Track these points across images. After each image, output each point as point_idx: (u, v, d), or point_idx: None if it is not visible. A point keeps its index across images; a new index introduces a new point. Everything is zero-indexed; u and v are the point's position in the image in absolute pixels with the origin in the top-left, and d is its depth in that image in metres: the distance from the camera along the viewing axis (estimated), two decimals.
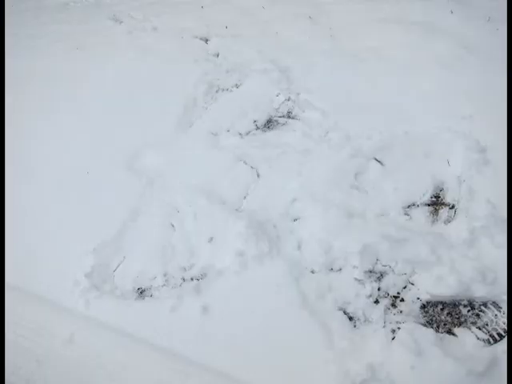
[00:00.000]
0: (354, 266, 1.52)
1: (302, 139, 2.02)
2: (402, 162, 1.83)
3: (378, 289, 1.47)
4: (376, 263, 1.53)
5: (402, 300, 1.44)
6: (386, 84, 2.22)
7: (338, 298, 1.46)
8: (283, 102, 2.27)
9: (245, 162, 1.97)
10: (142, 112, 2.28)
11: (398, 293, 1.46)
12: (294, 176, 1.86)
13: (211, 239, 1.68)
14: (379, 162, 1.87)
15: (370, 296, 1.45)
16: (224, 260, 1.58)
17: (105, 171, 1.98)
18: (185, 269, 1.62)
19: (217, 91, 2.42)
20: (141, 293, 1.57)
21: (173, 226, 1.77)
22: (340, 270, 1.54)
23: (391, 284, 1.48)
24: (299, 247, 1.61)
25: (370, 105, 2.10)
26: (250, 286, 1.50)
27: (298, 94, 2.28)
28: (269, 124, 2.20)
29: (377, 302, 1.45)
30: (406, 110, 2.05)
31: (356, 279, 1.49)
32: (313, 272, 1.54)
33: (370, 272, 1.51)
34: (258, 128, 2.19)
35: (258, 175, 1.92)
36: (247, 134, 2.15)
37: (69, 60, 2.81)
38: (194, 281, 1.57)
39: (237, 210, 1.79)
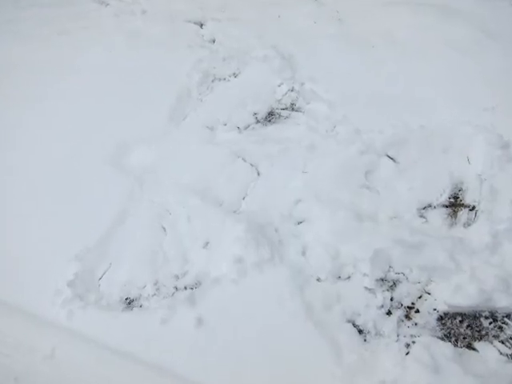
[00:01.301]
0: (364, 274, 1.52)
1: (306, 133, 2.02)
2: (417, 159, 1.83)
3: (391, 299, 1.48)
4: (388, 271, 1.53)
5: (417, 311, 1.45)
6: (398, 72, 2.22)
7: (346, 308, 1.46)
8: (286, 93, 2.27)
9: (243, 159, 1.97)
10: (130, 103, 2.28)
11: (413, 303, 1.47)
12: (298, 174, 1.85)
13: (206, 244, 1.68)
14: (392, 158, 1.86)
15: (382, 307, 1.46)
16: (220, 267, 1.58)
17: (90, 167, 1.99)
18: (177, 277, 1.62)
19: (213, 81, 2.42)
20: (129, 303, 1.57)
21: (164, 229, 1.77)
22: (349, 278, 1.54)
23: (405, 293, 1.49)
24: (304, 253, 1.61)
25: (381, 95, 2.10)
26: (249, 295, 1.50)
27: (303, 83, 2.28)
28: (270, 117, 2.20)
29: (389, 313, 1.45)
30: (421, 102, 2.05)
31: (366, 288, 1.50)
32: (319, 280, 1.55)
33: (382, 280, 1.52)
34: (258, 121, 2.18)
35: (258, 173, 1.91)
36: (246, 127, 2.15)
37: (52, 45, 2.81)
38: (188, 290, 1.57)
39: (235, 211, 1.79)
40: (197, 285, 1.58)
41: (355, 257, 1.55)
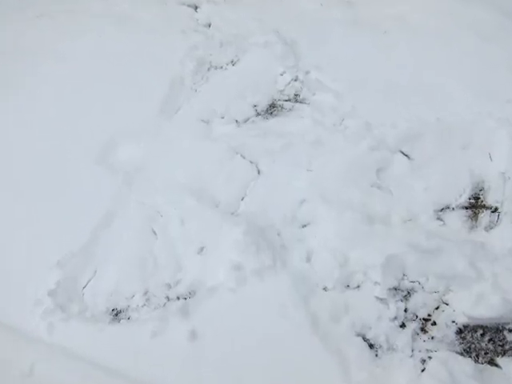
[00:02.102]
0: (376, 282, 1.52)
1: (311, 127, 2.01)
2: (434, 156, 1.83)
3: (405, 310, 1.47)
4: (402, 279, 1.53)
5: (434, 323, 1.44)
6: (412, 60, 2.21)
7: (355, 320, 1.45)
8: (289, 83, 2.27)
9: (242, 156, 1.96)
10: (118, 93, 2.28)
11: (429, 315, 1.46)
12: (303, 172, 1.85)
13: (201, 249, 1.68)
14: (406, 155, 1.86)
15: (395, 319, 1.45)
16: (217, 275, 1.58)
17: (74, 165, 1.98)
18: (169, 285, 1.62)
19: (209, 69, 2.42)
20: (116, 315, 1.56)
21: (154, 233, 1.77)
22: (358, 286, 1.54)
23: (421, 304, 1.48)
24: (308, 259, 1.60)
25: (393, 86, 2.09)
26: (248, 306, 1.49)
27: (307, 72, 2.28)
28: (272, 109, 2.19)
29: (403, 325, 1.44)
30: (437, 92, 2.04)
31: (378, 298, 1.49)
32: (325, 289, 1.54)
33: (395, 289, 1.51)
34: (258, 114, 2.18)
35: (259, 171, 1.91)
36: (245, 121, 2.15)
37: (32, 30, 2.81)
38: (181, 300, 1.57)
39: (233, 213, 1.79)
40: (191, 294, 1.58)
41: (365, 263, 1.55)
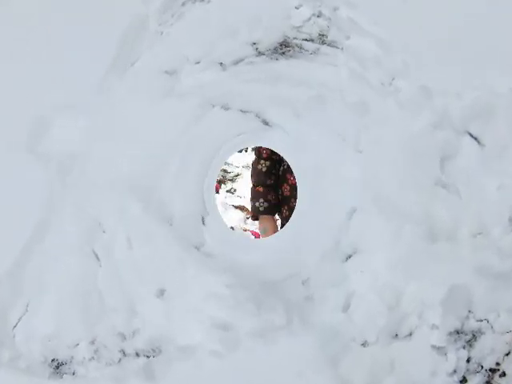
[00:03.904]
0: (433, 326, 1.34)
1: (351, 82, 1.70)
2: (509, 140, 1.63)
3: (468, 360, 1.33)
4: (467, 317, 1.37)
5: (503, 374, 1.34)
6: (486, 7, 1.88)
7: (401, 379, 1.32)
8: (309, 19, 1.94)
9: (224, 107, 1.70)
10: (53, 48, 1.96)
11: (498, 363, 1.34)
12: (350, 152, 1.54)
13: (161, 293, 1.48)
14: (475, 138, 1.63)
15: (454, 372, 1.31)
16: (190, 332, 1.41)
17: None
18: (123, 336, 1.44)
19: (183, 4, 2.05)
20: (57, 367, 1.44)
21: (96, 256, 1.57)
22: (410, 334, 1.38)
23: (488, 350, 1.34)
24: (346, 307, 1.42)
25: (459, 39, 1.78)
26: (246, 373, 1.33)
27: (336, 8, 1.94)
28: (284, 48, 1.87)
29: (464, 381, 1.32)
30: None
31: (434, 347, 1.34)
32: (365, 345, 1.38)
33: (457, 333, 1.35)
34: (260, 54, 1.86)
35: (267, 124, 1.67)
36: (236, 62, 1.83)
37: None
38: (142, 357, 1.41)
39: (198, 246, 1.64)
40: (155, 352, 1.42)
41: (423, 301, 1.38)
